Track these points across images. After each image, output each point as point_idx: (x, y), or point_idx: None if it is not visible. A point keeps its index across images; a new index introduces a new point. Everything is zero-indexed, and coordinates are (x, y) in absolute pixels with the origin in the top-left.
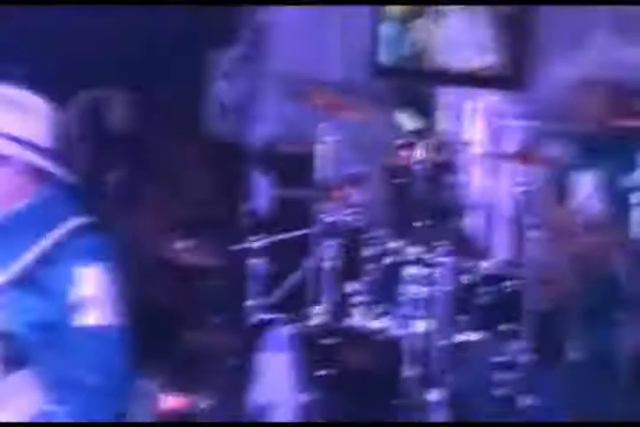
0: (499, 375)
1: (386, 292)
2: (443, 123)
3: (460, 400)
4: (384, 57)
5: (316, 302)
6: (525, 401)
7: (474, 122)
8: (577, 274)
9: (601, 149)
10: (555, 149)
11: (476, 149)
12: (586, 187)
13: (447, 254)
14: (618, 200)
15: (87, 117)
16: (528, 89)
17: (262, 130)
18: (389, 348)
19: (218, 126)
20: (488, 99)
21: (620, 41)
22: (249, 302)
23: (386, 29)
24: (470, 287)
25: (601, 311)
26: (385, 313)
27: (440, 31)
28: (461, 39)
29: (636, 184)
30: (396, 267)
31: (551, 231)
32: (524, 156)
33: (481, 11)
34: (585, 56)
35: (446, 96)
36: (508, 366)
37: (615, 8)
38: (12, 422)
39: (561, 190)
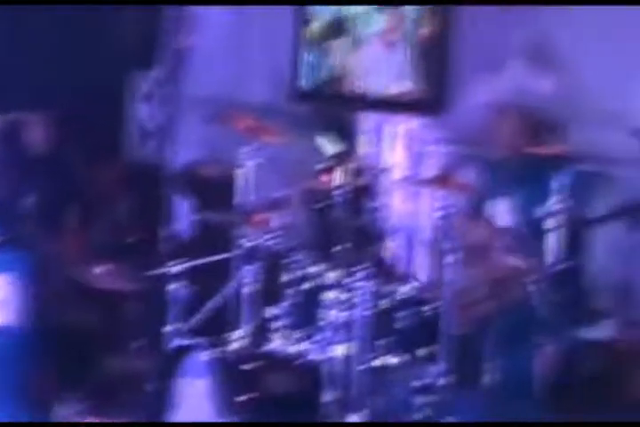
0: (418, 399)
1: (305, 316)
2: (363, 147)
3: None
4: (304, 81)
5: (236, 326)
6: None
7: (393, 146)
8: (493, 298)
9: (516, 175)
10: (472, 175)
11: (396, 174)
12: (502, 212)
13: (366, 279)
14: (532, 226)
15: (5, 140)
16: (446, 114)
17: (183, 153)
18: (309, 372)
19: (138, 149)
20: (407, 124)
21: (533, 69)
22: (168, 327)
23: (306, 54)
24: (389, 311)
25: (516, 334)
26: (305, 338)
27: (359, 57)
28: (380, 65)
29: (550, 211)
30: (316, 291)
31: (468, 256)
32: (442, 181)
33: (399, 37)
34: (500, 83)
35: (366, 121)
36: (427, 390)
37: (529, 37)
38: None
39: (478, 215)
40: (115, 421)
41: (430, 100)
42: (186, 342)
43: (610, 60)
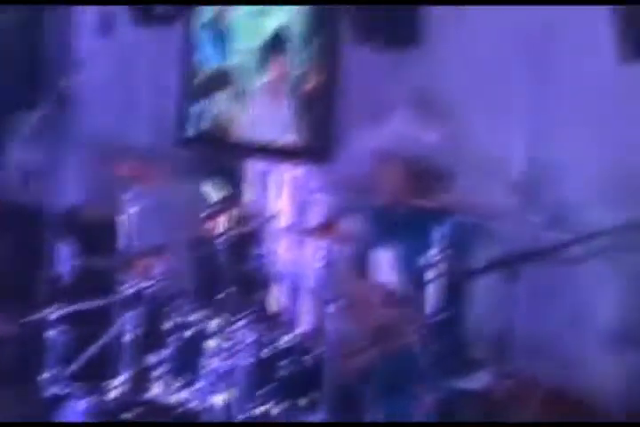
0: None
1: (187, 364)
2: (248, 194)
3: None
4: (190, 127)
5: (116, 373)
6: None
7: (279, 194)
8: (375, 347)
9: (400, 225)
10: (356, 224)
11: (281, 222)
12: (384, 262)
13: (249, 326)
14: (413, 276)
15: None
16: (331, 163)
17: (65, 196)
18: (189, 421)
19: (18, 190)
20: (293, 172)
21: (418, 118)
22: (45, 374)
23: (192, 101)
24: (271, 360)
25: (397, 384)
26: (185, 386)
27: (244, 106)
28: (265, 114)
29: (431, 261)
30: (198, 339)
31: (350, 305)
32: (325, 230)
33: (285, 88)
34: (385, 132)
35: (252, 168)
36: None
37: (414, 86)
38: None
39: (361, 265)
40: None
41: (315, 148)
42: (64, 389)
43: (493, 110)
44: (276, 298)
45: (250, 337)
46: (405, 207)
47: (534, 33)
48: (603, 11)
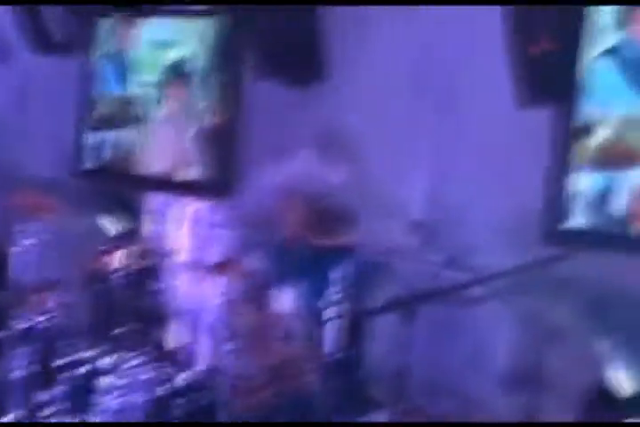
0: None
1: (79, 402)
2: (148, 228)
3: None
4: (89, 159)
5: (7, 411)
6: None
7: (179, 228)
8: (273, 385)
9: (301, 263)
10: (257, 261)
11: (181, 256)
12: (285, 300)
13: (145, 364)
14: (313, 314)
15: None
16: (233, 198)
17: None
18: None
19: None
20: (194, 206)
21: (321, 158)
22: None
23: (93, 131)
24: (167, 398)
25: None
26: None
27: (146, 136)
28: (167, 146)
29: (330, 300)
30: (92, 376)
31: (249, 343)
32: (225, 267)
33: (186, 121)
34: (288, 169)
35: (152, 201)
36: None
37: (320, 125)
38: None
39: (261, 302)
40: None
41: (217, 183)
42: None
43: (395, 151)
44: (174, 335)
45: (145, 374)
46: (307, 245)
47: (438, 75)
48: (503, 56)
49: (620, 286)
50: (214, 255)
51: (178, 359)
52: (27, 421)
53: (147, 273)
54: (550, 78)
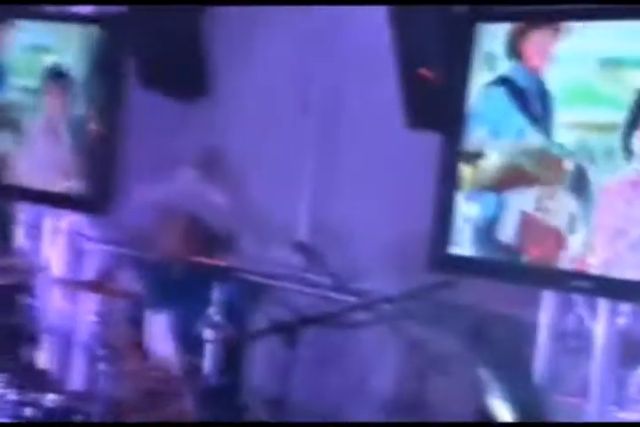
0: None
1: None
2: (20, 242)
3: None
4: None
5: None
6: None
7: (53, 243)
8: (148, 409)
9: (179, 283)
10: (133, 279)
11: (55, 272)
12: (160, 322)
13: (9, 384)
14: (191, 337)
15: None
16: (111, 213)
17: None
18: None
19: None
20: (70, 220)
21: (203, 177)
22: None
23: None
24: (33, 421)
25: None
26: None
27: (21, 145)
28: (43, 156)
29: (209, 323)
30: None
31: (123, 364)
32: (99, 285)
33: (62, 131)
34: (169, 188)
35: (25, 215)
36: None
37: (202, 145)
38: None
39: (136, 322)
40: None
41: (96, 197)
42: None
43: (280, 173)
44: (45, 353)
45: (11, 395)
46: (185, 265)
47: (324, 94)
48: (391, 78)
49: (502, 315)
50: (89, 272)
51: (48, 379)
52: None
53: (17, 288)
54: (439, 102)
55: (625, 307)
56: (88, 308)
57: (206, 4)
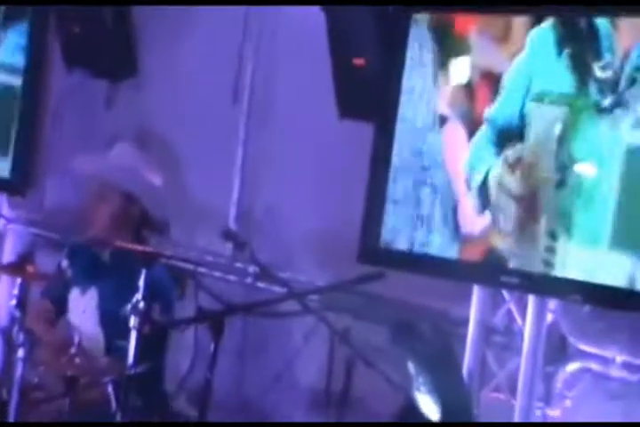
0: None
1: None
2: None
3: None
4: None
5: None
6: None
7: None
8: (67, 396)
9: (103, 267)
10: (57, 261)
11: None
12: (83, 305)
13: None
14: (115, 323)
15: None
16: (34, 193)
17: None
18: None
19: None
20: None
21: (136, 153)
22: None
23: None
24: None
25: None
26: None
27: None
28: None
29: (134, 308)
30: None
31: (43, 349)
32: (19, 267)
33: None
34: (100, 162)
35: None
36: None
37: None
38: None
39: (58, 306)
40: None
41: (16, 179)
42: None
43: (210, 156)
44: None
45: None
46: (113, 249)
47: (254, 84)
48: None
49: (431, 309)
50: (8, 255)
51: None
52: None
53: None
54: (372, 91)
55: (553, 304)
56: (7, 290)
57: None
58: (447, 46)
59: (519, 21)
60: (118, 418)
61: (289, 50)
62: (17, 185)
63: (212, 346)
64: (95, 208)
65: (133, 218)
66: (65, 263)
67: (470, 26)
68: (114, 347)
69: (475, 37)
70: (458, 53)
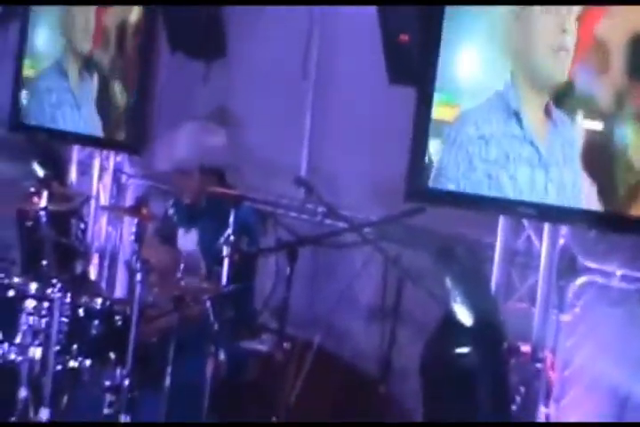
0: (108, 396)
1: (7, 321)
2: (74, 177)
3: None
4: (24, 116)
5: None
6: (126, 419)
7: (101, 178)
8: (175, 312)
9: (201, 210)
10: (164, 206)
11: (102, 201)
12: (188, 240)
13: (65, 290)
14: (212, 253)
15: None
16: (145, 155)
17: None
18: (7, 372)
19: None
20: (113, 159)
21: (203, 130)
22: None
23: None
24: (84, 320)
25: (192, 344)
26: (4, 341)
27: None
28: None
29: (227, 241)
30: (18, 299)
31: (155, 275)
32: (137, 210)
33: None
34: (177, 141)
35: (79, 155)
36: (114, 389)
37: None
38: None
39: (167, 241)
40: None
41: (133, 142)
42: None
43: (282, 122)
44: (95, 267)
45: (65, 299)
46: (207, 197)
47: (319, 63)
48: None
49: (460, 236)
50: (130, 201)
51: (96, 287)
52: None
53: (72, 214)
54: (415, 61)
55: (564, 230)
56: (129, 229)
57: None
58: None
59: None
60: (215, 328)
61: (347, 31)
62: (134, 147)
63: (289, 271)
64: (181, 180)
65: (212, 178)
66: (171, 211)
67: None
68: (212, 272)
69: None
70: None
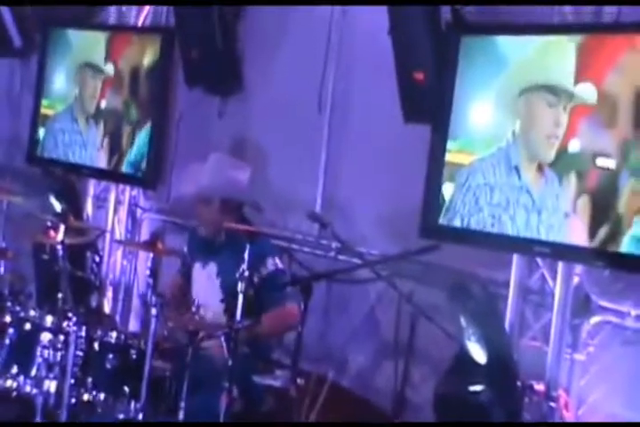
0: None
1: (22, 354)
2: (90, 210)
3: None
4: (41, 149)
5: None
6: None
7: (116, 212)
8: (189, 346)
9: (219, 244)
10: (180, 241)
11: (117, 236)
12: (205, 275)
13: (80, 324)
14: (229, 287)
15: None
16: (161, 189)
17: None
18: (23, 404)
19: None
20: (129, 193)
21: (229, 163)
22: None
23: (42, 127)
24: (100, 353)
25: (206, 380)
26: (21, 373)
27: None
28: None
29: (241, 275)
30: (34, 332)
31: (171, 309)
32: (151, 244)
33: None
34: (200, 173)
35: (94, 188)
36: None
37: (234, 131)
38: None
39: (185, 275)
40: None
41: (149, 177)
42: None
43: (298, 157)
44: (109, 300)
45: (80, 333)
46: (224, 231)
47: (334, 97)
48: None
49: (475, 274)
50: (143, 235)
51: (111, 321)
52: None
53: (87, 247)
54: (430, 101)
55: (579, 269)
56: (143, 264)
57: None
58: None
59: None
60: (229, 362)
61: (362, 67)
62: (150, 181)
63: (303, 306)
64: (202, 211)
65: (232, 211)
66: (186, 248)
67: None
68: (228, 307)
69: None
70: None
